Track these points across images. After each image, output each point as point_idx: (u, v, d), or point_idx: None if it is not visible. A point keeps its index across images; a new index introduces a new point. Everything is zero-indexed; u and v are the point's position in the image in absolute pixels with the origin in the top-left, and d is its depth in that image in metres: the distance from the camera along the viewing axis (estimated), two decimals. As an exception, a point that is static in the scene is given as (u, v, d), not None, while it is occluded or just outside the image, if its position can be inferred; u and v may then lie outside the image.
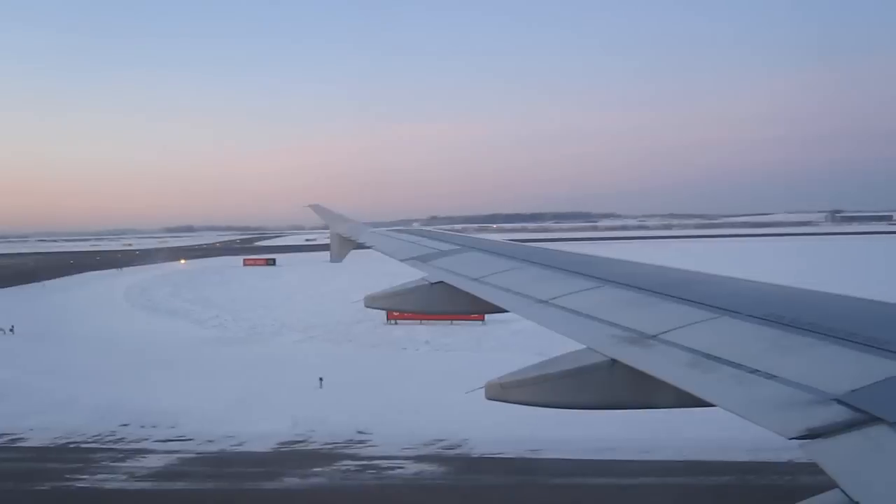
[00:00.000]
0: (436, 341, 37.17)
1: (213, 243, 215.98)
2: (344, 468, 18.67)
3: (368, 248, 10.89)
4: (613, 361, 3.36)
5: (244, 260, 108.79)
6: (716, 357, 2.99)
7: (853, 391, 2.35)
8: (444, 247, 8.35)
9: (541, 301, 4.71)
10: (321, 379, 26.75)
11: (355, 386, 26.52)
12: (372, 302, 6.94)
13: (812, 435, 2.16)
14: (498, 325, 38.69)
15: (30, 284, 77.47)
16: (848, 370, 2.56)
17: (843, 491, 1.88)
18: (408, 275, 7.08)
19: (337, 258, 14.08)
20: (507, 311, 5.05)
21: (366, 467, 18.67)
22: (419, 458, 19.15)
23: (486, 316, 38.88)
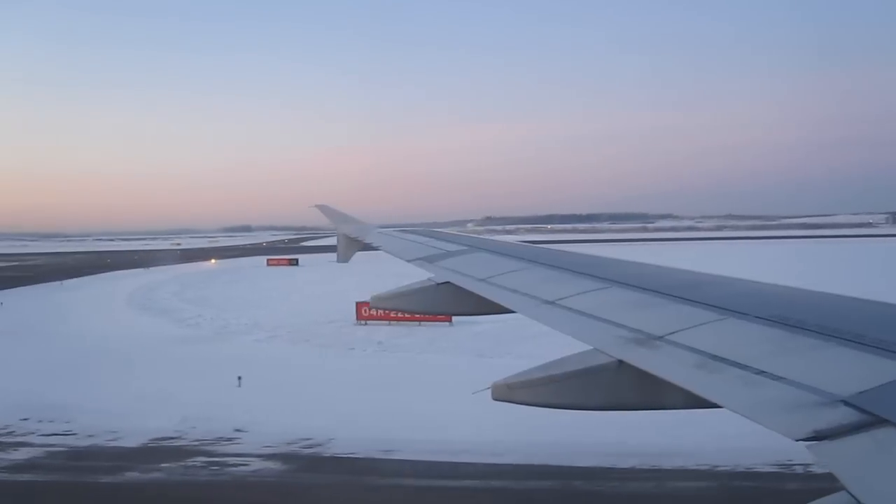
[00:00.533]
0: (389, 342, 37.60)
1: (260, 243, 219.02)
2: (190, 464, 19.24)
3: (376, 248, 10.90)
4: (620, 362, 3.36)
5: (268, 260, 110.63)
6: (722, 358, 2.99)
7: (860, 393, 2.34)
8: (451, 247, 8.35)
9: (547, 302, 4.71)
10: (240, 378, 27.36)
11: (273, 386, 27.29)
12: (378, 302, 6.95)
13: (818, 437, 2.15)
14: (463, 326, 39.48)
15: (48, 283, 79.12)
16: (855, 372, 2.56)
17: (849, 493, 1.88)
18: (415, 275, 7.11)
19: (343, 259, 14.09)
20: (514, 312, 5.06)
21: (211, 464, 19.31)
22: (269, 457, 19.80)
23: (458, 318, 39.11)
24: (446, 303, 6.33)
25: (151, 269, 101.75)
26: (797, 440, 2.19)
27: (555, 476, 17.88)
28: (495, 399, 3.85)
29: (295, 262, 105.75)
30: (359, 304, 44.33)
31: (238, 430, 21.82)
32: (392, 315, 42.59)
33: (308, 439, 20.90)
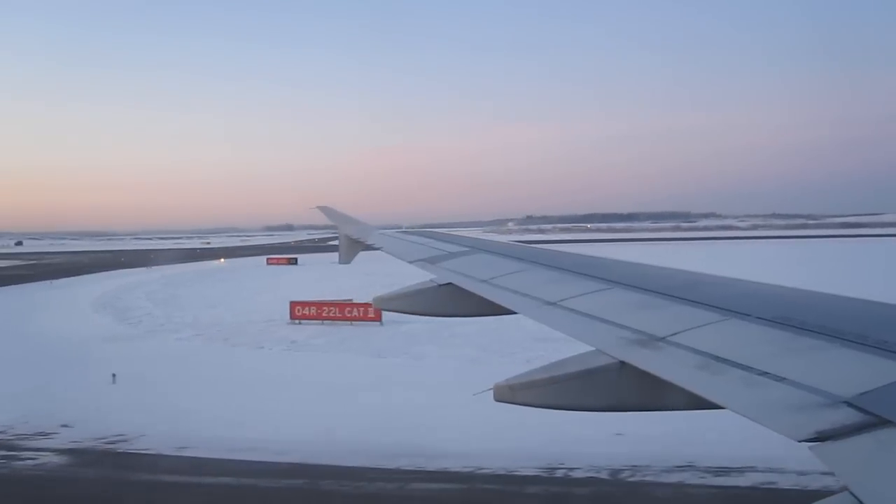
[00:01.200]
0: (304, 341, 37.93)
1: (289, 242, 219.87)
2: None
3: (377, 249, 10.91)
4: (622, 363, 3.36)
5: (267, 259, 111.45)
6: (725, 359, 2.99)
7: (863, 394, 2.34)
8: (453, 248, 8.36)
9: (549, 303, 4.72)
10: (114, 375, 27.96)
11: (146, 383, 27.77)
12: (381, 303, 6.95)
13: (821, 438, 2.16)
14: (393, 326, 40.16)
15: (40, 282, 79.54)
16: (858, 373, 2.56)
17: (852, 494, 1.88)
18: (409, 275, 7.13)
19: (346, 260, 14.10)
20: (516, 313, 5.06)
21: (9, 458, 19.70)
22: (63, 452, 20.19)
23: (388, 317, 40.68)
24: (448, 304, 6.33)
25: (153, 268, 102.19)
26: (800, 441, 2.19)
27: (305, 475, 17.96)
28: (497, 400, 3.85)
29: (294, 262, 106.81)
30: (293, 304, 45.07)
31: (63, 426, 22.07)
32: (325, 315, 43.79)
33: (120, 435, 21.12)
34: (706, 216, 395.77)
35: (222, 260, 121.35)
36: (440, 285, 6.46)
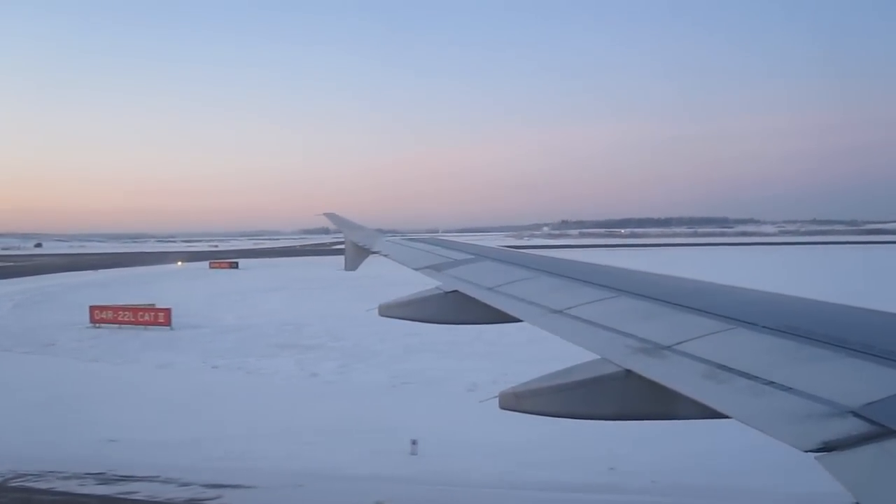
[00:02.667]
0: (68, 345, 38.92)
1: (302, 245, 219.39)
2: None
3: (385, 255, 10.92)
4: (628, 372, 3.36)
5: (210, 263, 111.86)
6: (731, 368, 2.98)
7: (869, 404, 2.34)
8: (458, 256, 8.37)
9: (555, 311, 4.72)
10: None
11: None
12: (386, 310, 6.96)
13: (827, 448, 2.15)
14: (187, 330, 41.87)
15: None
16: (864, 383, 2.55)
17: None
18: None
19: (352, 266, 14.12)
20: (521, 321, 5.06)
21: None
22: None
23: (179, 324, 42.69)
24: (455, 311, 6.34)
25: (101, 271, 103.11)
26: (806, 451, 2.18)
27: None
28: (503, 408, 3.85)
29: (235, 266, 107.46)
30: (92, 308, 45.74)
31: None
32: (120, 319, 44.46)
33: None
34: (744, 222, 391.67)
35: (179, 263, 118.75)
36: (446, 293, 6.47)
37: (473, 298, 5.94)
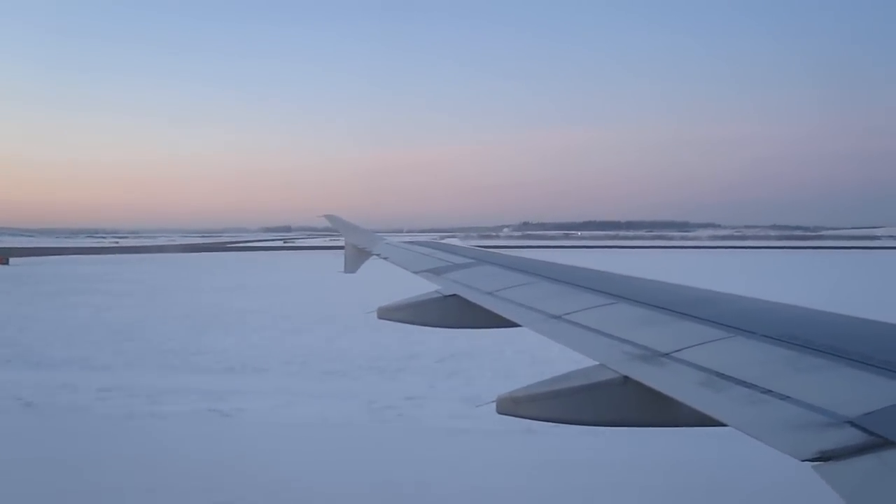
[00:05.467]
0: None
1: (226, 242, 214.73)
2: None
3: (384, 258, 10.95)
4: (626, 378, 3.36)
5: None
6: (728, 376, 2.98)
7: (867, 414, 2.33)
8: (458, 260, 8.39)
9: (554, 316, 4.72)
10: None
11: None
12: (385, 314, 6.97)
13: (824, 457, 2.15)
14: None
15: None
16: (862, 393, 2.55)
17: None
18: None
19: (351, 269, 14.14)
20: (519, 326, 5.06)
21: None
22: None
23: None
24: (453, 315, 6.35)
25: None
26: (803, 460, 2.18)
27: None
28: (500, 413, 3.84)
29: (6, 262, 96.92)
30: None
31: None
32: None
33: None
34: (705, 226, 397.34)
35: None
36: (445, 296, 6.48)
37: (472, 303, 5.95)
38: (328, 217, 16.47)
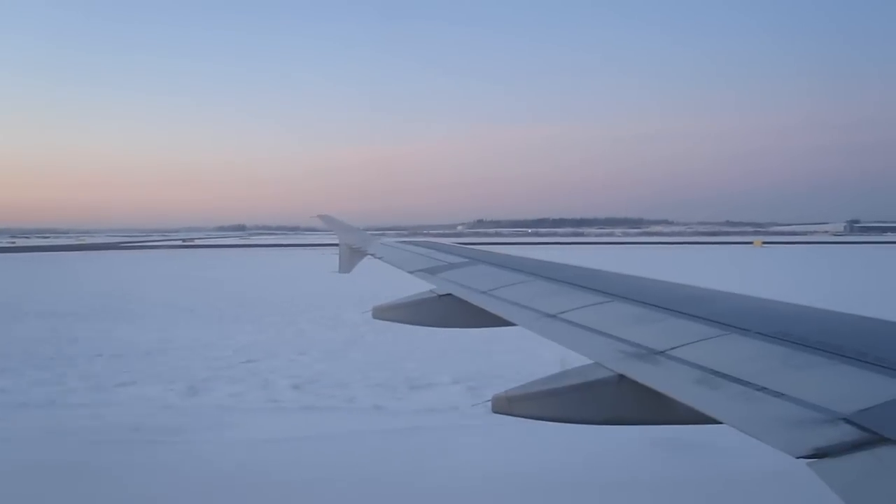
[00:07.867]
0: None
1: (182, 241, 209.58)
2: None
3: (379, 258, 10.94)
4: (621, 377, 3.35)
5: None
6: (723, 374, 2.98)
7: (861, 411, 2.34)
8: (453, 259, 8.38)
9: (549, 315, 4.71)
10: None
11: None
12: (380, 313, 6.96)
13: (819, 454, 2.15)
14: None
15: None
16: (857, 389, 2.56)
17: None
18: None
19: (346, 269, 14.13)
20: (515, 325, 5.06)
21: None
22: None
23: None
24: (448, 315, 6.34)
25: None
26: (798, 457, 2.18)
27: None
28: (495, 412, 3.84)
29: None
30: None
31: None
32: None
33: None
34: (659, 222, 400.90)
35: None
36: (440, 296, 6.47)
37: (467, 302, 5.94)
38: (322, 217, 16.47)
